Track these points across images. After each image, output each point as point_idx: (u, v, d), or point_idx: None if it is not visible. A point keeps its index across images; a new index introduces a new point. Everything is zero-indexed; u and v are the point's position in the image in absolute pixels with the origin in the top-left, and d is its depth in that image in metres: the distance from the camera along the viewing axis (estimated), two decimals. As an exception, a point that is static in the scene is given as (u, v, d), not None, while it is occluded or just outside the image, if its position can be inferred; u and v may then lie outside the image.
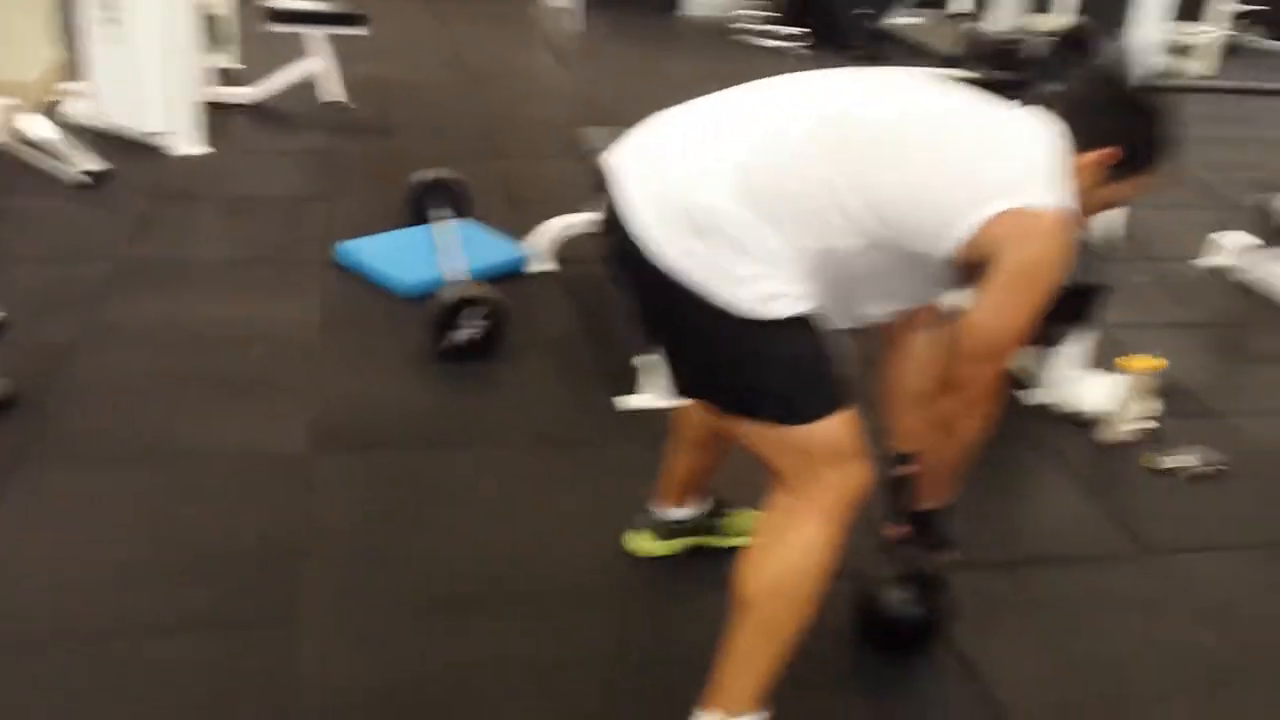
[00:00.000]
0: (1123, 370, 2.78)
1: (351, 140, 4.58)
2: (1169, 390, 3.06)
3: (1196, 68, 7.65)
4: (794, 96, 1.59)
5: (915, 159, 1.51)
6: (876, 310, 1.68)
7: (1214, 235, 4.06)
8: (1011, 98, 2.86)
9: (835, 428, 1.54)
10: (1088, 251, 2.70)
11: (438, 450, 2.50)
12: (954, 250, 1.50)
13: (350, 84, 4.96)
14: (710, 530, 2.16)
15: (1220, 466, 2.69)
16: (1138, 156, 1.64)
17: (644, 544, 2.15)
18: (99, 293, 3.06)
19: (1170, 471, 2.68)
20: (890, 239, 1.51)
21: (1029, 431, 2.84)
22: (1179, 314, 3.69)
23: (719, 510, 2.17)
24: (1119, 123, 1.64)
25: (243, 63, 5.18)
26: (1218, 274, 4.00)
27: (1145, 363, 2.75)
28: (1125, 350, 2.89)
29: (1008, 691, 1.95)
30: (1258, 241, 3.87)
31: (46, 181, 3.78)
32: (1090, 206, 1.63)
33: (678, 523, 2.14)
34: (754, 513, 1.77)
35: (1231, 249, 3.98)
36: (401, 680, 1.84)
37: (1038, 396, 2.97)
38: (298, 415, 2.56)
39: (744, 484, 1.86)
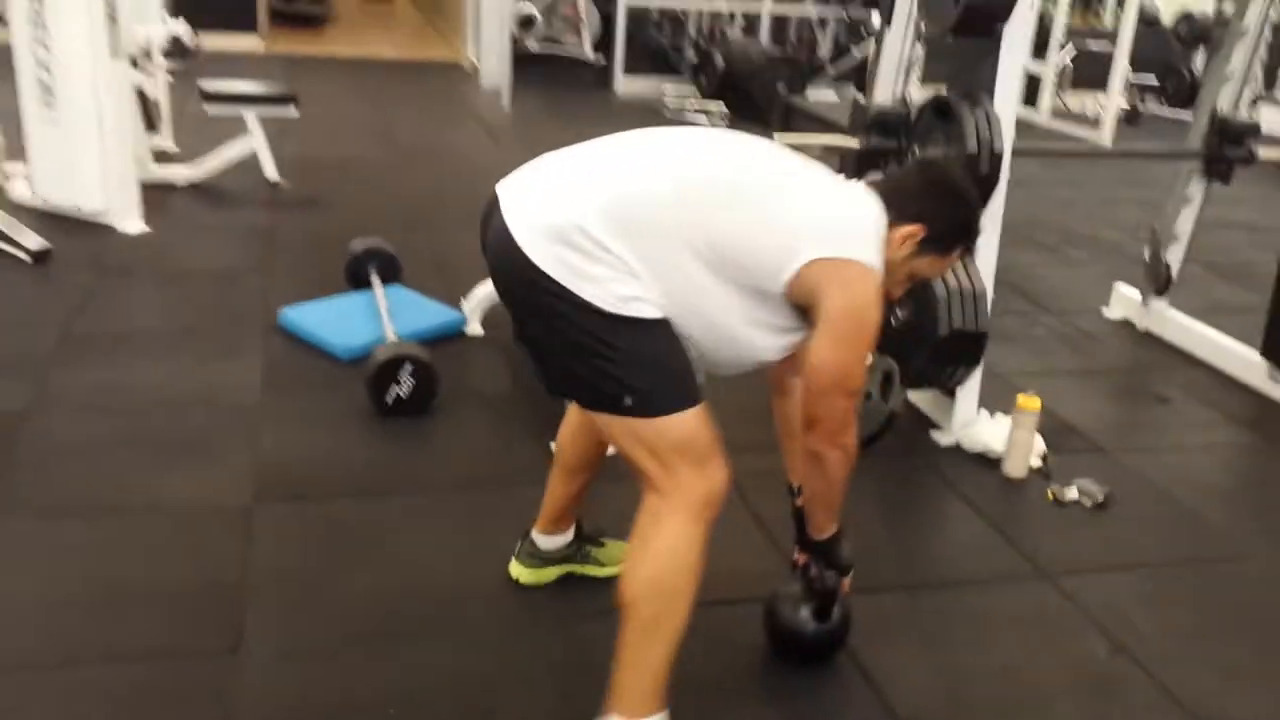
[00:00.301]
0: (1016, 410, 3.01)
1: (286, 215, 4.74)
2: (1064, 430, 3.31)
3: (1098, 135, 8.14)
4: (656, 148, 1.80)
5: (751, 206, 1.72)
6: (747, 355, 1.83)
7: (1117, 288, 4.36)
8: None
9: (687, 423, 1.71)
10: (973, 300, 2.95)
11: (372, 498, 2.64)
12: (787, 283, 1.70)
13: (285, 162, 5.14)
14: (584, 559, 2.32)
15: (1105, 496, 2.90)
16: (942, 237, 1.87)
17: (519, 572, 2.31)
18: (46, 362, 3.17)
19: (1071, 503, 2.90)
20: (736, 278, 1.70)
21: (939, 469, 3.04)
22: (1077, 362, 3.95)
23: (592, 540, 2.33)
24: (928, 204, 1.86)
25: (178, 144, 5.34)
26: (1120, 326, 4.29)
27: (1026, 402, 2.97)
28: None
29: (901, 695, 2.11)
30: (1151, 293, 4.16)
31: (-10, 259, 3.88)
32: (897, 277, 1.86)
33: (547, 552, 2.31)
34: (626, 544, 1.91)
35: (1131, 301, 4.27)
36: (336, 702, 1.96)
37: (947, 438, 3.19)
38: (239, 471, 2.68)
39: (620, 517, 2.01)
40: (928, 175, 1.99)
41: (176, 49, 4.85)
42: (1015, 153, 2.98)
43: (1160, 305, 4.14)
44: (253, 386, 3.13)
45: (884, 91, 3.47)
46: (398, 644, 2.13)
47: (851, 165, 3.46)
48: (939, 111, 3.00)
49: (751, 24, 8.65)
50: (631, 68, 8.45)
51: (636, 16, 8.61)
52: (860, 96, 3.98)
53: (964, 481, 2.99)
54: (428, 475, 2.77)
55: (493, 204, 1.76)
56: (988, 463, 3.07)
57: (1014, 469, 3.01)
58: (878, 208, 1.82)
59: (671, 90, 8.12)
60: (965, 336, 2.96)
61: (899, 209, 1.83)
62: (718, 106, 7.64)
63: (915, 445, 3.17)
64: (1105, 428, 3.41)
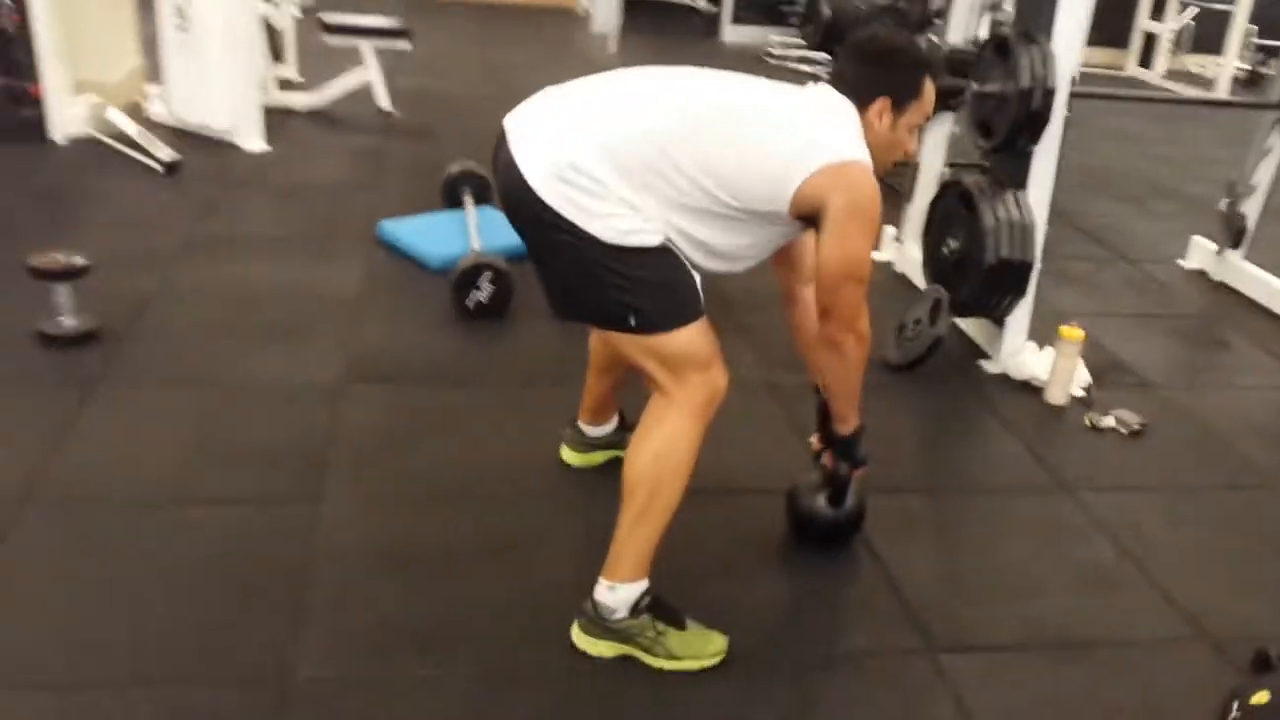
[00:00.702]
0: (1058, 339, 3.13)
1: (394, 141, 5.07)
2: (1114, 366, 3.42)
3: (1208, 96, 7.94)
4: (653, 85, 1.96)
5: (743, 137, 1.88)
6: (753, 255, 2.03)
7: (1194, 240, 4.39)
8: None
9: (690, 337, 1.91)
10: (1022, 231, 3.08)
11: (447, 386, 2.92)
12: (789, 205, 1.87)
13: (397, 93, 5.46)
14: (622, 445, 2.49)
15: (1141, 425, 3.02)
16: (904, 92, 2.01)
17: (569, 455, 2.57)
18: (171, 258, 3.55)
19: (1108, 430, 3.02)
20: (737, 204, 1.88)
21: (984, 394, 3.19)
22: (1142, 306, 4.02)
23: (628, 428, 2.53)
24: (878, 75, 2.00)
25: (301, 74, 5.71)
26: (1194, 276, 4.32)
27: (1069, 332, 3.09)
28: (1092, 339, 3.25)
29: (906, 576, 2.31)
30: (1227, 245, 4.18)
31: (129, 168, 4.30)
32: (891, 149, 2.03)
33: (593, 439, 2.56)
34: None
35: (1207, 252, 4.30)
36: (399, 547, 2.25)
37: (996, 366, 3.33)
38: (333, 355, 3.00)
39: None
40: (863, 52, 2.07)
41: (301, -18, 5.19)
42: (1074, 94, 3.08)
43: (1234, 257, 4.16)
44: (350, 286, 3.45)
45: (956, 32, 3.58)
46: (458, 505, 2.41)
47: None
48: (999, 49, 3.12)
49: (864, -26, 8.62)
50: (740, 17, 8.55)
51: None
52: (934, 38, 4.08)
53: (1005, 405, 3.13)
54: (498, 370, 3.04)
55: (501, 138, 1.93)
56: (1032, 390, 3.20)
57: (1055, 396, 3.14)
58: (848, 103, 1.98)
59: (777, 40, 8.20)
60: (1012, 265, 3.09)
61: (859, 93, 1.99)
62: (823, 57, 7.69)
63: (965, 372, 3.32)
64: (1158, 365, 3.49)
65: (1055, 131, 3.09)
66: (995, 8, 4.06)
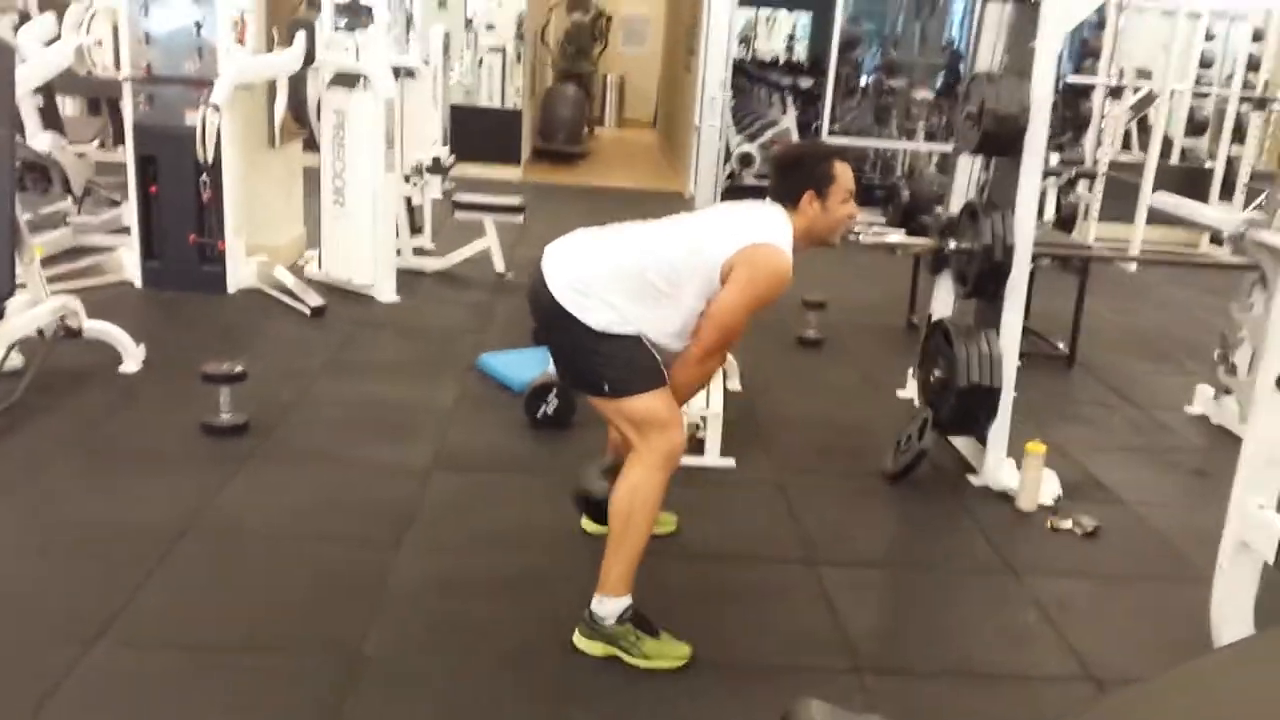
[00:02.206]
0: (1025, 454, 3.68)
1: (504, 296, 6.01)
2: (1091, 484, 3.92)
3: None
4: (647, 228, 2.70)
5: (697, 250, 2.58)
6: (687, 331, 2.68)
7: (1200, 388, 4.87)
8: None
9: (652, 401, 2.59)
10: (990, 361, 3.69)
11: (512, 473, 3.68)
12: (720, 277, 2.55)
13: (512, 258, 6.45)
14: None
15: (1095, 528, 3.52)
16: (822, 183, 2.68)
17: (587, 525, 3.17)
18: (311, 376, 4.46)
19: (1064, 530, 3.54)
20: (689, 286, 2.58)
21: (963, 500, 3.74)
22: (1137, 442, 4.50)
23: None
24: (798, 177, 2.69)
25: (435, 242, 6.78)
26: (1196, 420, 4.79)
27: (1033, 447, 3.64)
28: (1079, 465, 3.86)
29: (852, 618, 2.89)
30: (1222, 391, 4.65)
31: (286, 312, 5.32)
32: (833, 224, 2.71)
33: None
34: (666, 514, 2.98)
35: (1208, 399, 4.78)
36: (454, 576, 2.96)
37: (980, 480, 3.88)
38: (426, 448, 3.80)
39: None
40: (782, 165, 2.79)
41: (437, 167, 6.27)
42: (1037, 254, 3.73)
43: (1229, 401, 4.62)
44: (448, 401, 4.28)
45: (956, 204, 4.28)
46: (504, 551, 3.13)
47: (929, 262, 4.30)
48: (971, 215, 3.81)
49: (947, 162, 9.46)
50: (830, 199, 9.43)
51: (856, 155, 9.76)
52: (940, 210, 4.79)
53: (981, 510, 3.68)
54: (553, 463, 3.76)
55: (539, 260, 2.70)
56: (1007, 499, 3.74)
57: (1024, 503, 3.67)
58: (779, 209, 2.68)
59: (861, 219, 9.02)
60: (982, 390, 3.69)
61: (790, 196, 2.69)
62: (897, 233, 8.47)
63: (953, 483, 3.88)
64: (1132, 487, 3.97)
65: (1019, 282, 3.72)
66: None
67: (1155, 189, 7.88)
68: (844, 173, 2.74)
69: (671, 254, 2.61)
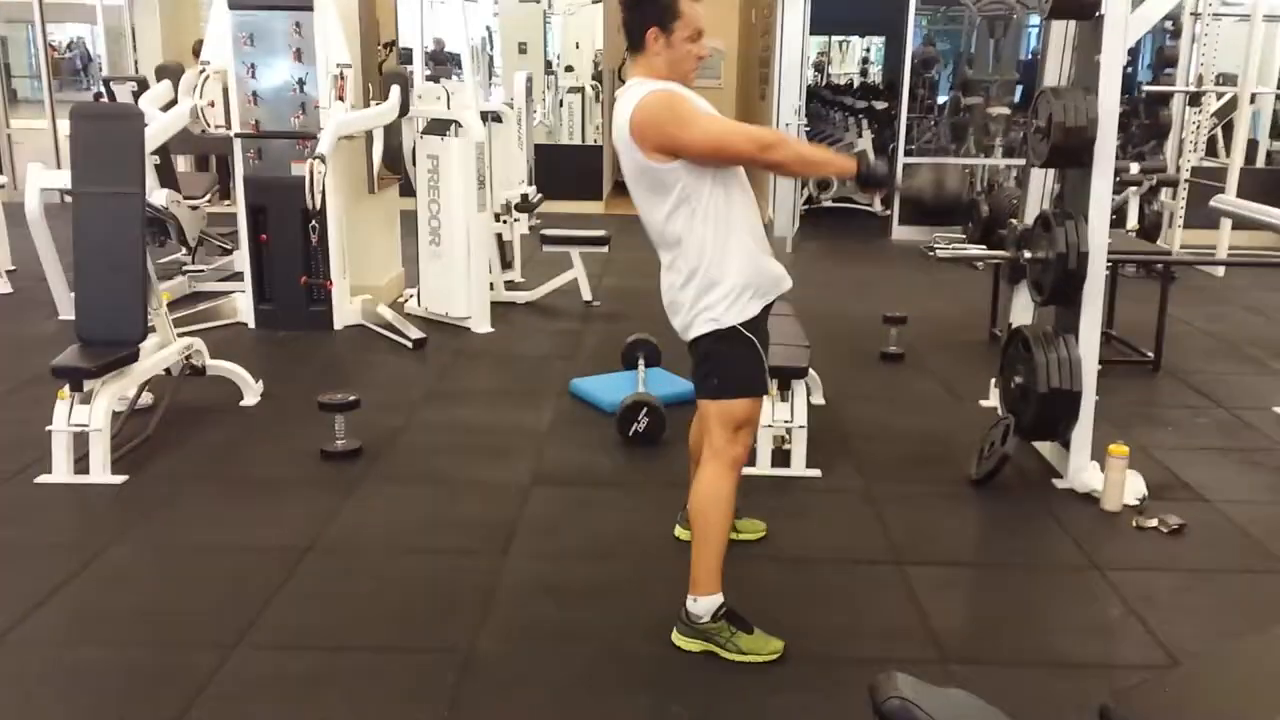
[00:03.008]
0: (1108, 455, 3.75)
1: (592, 324, 6.25)
2: (1176, 485, 3.97)
3: None
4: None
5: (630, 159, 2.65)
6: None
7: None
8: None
9: (753, 406, 2.77)
10: (1069, 365, 3.78)
11: (607, 488, 3.88)
12: (641, 150, 2.58)
13: (599, 288, 6.70)
14: None
15: (1180, 525, 3.58)
16: (665, 16, 2.58)
17: (680, 532, 3.36)
18: (415, 404, 4.73)
19: (1149, 529, 3.60)
20: (672, 187, 2.63)
21: (1049, 503, 3.81)
22: (1222, 443, 4.51)
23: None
24: (636, 14, 2.61)
25: (525, 275, 7.06)
26: (1283, 420, 4.79)
27: (1116, 449, 3.71)
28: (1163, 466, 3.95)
29: (938, 613, 3.01)
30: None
31: (389, 346, 5.63)
32: (683, 61, 2.62)
33: None
34: (755, 521, 3.14)
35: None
36: (556, 582, 3.15)
37: (1064, 483, 3.95)
38: (525, 467, 4.02)
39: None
40: (626, 15, 2.65)
41: (525, 204, 6.56)
42: (1112, 259, 3.81)
43: (1316, 399, 4.61)
44: (544, 424, 4.51)
45: (1030, 215, 4.39)
46: (602, 559, 3.32)
47: (1007, 273, 4.40)
48: (1044, 224, 3.91)
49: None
50: (907, 219, 9.52)
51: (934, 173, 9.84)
52: (1015, 222, 4.88)
53: (1065, 512, 3.75)
54: (646, 478, 3.96)
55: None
56: (1091, 500, 3.81)
57: (1109, 504, 3.74)
58: (637, 62, 2.65)
59: (941, 236, 9.07)
60: (1062, 394, 3.78)
61: (635, 39, 2.63)
62: (985, 249, 8.50)
63: (1038, 487, 3.95)
64: (1217, 486, 4.00)
65: (1095, 288, 3.80)
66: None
67: (1240, 193, 7.82)
68: (690, 8, 2.62)
69: (653, 210, 2.70)
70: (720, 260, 2.69)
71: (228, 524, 3.55)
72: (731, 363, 2.75)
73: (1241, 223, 7.07)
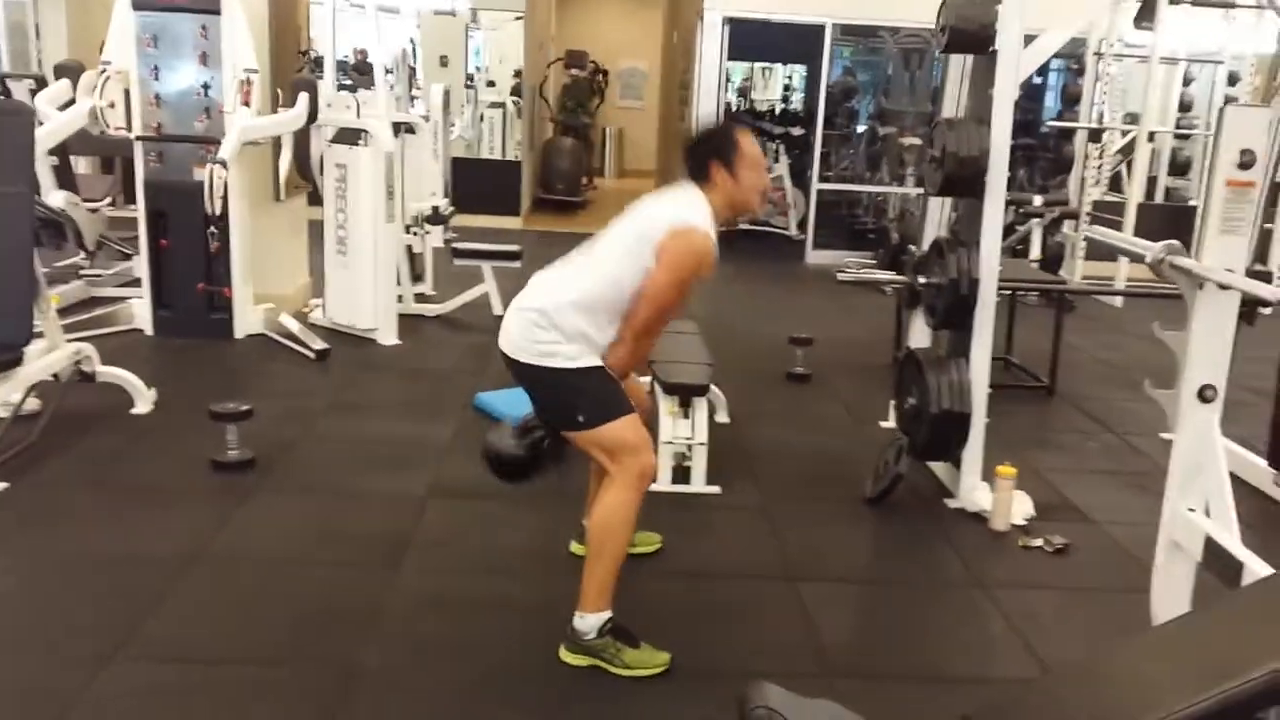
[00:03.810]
0: (996, 477, 3.85)
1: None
2: (1063, 506, 4.08)
3: None
4: (596, 248, 2.83)
5: (628, 235, 2.77)
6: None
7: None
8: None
9: (622, 428, 2.76)
10: (959, 388, 3.86)
11: (498, 501, 3.79)
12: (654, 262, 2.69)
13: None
14: None
15: (1064, 544, 3.67)
16: (729, 157, 2.78)
17: (575, 548, 3.35)
18: (314, 415, 4.66)
19: (1035, 548, 3.69)
20: (629, 288, 2.73)
21: (940, 521, 3.89)
22: (1110, 465, 4.66)
23: None
24: (704, 155, 2.80)
25: (436, 288, 7.00)
26: (1169, 444, 4.92)
27: (1005, 470, 3.81)
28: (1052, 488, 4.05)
29: (826, 626, 3.04)
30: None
31: (291, 356, 5.53)
32: (747, 193, 2.80)
33: None
34: (650, 534, 3.15)
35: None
36: (446, 595, 3.12)
37: (956, 502, 4.03)
38: (423, 479, 3.98)
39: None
40: (688, 148, 2.87)
41: (436, 217, 6.52)
42: (1002, 286, 3.92)
43: (1200, 426, 4.77)
44: (445, 437, 4.47)
45: (928, 242, 4.48)
46: (496, 576, 3.29)
47: (906, 297, 4.50)
48: (938, 251, 4.01)
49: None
50: (823, 243, 9.68)
51: (850, 199, 10.26)
52: (914, 248, 4.99)
53: (955, 530, 3.83)
54: (544, 492, 3.92)
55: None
56: (980, 520, 3.89)
57: (997, 523, 3.83)
58: (695, 189, 2.79)
59: (853, 261, 9.24)
60: (952, 415, 3.86)
61: (701, 172, 2.80)
62: (889, 274, 8.67)
63: (930, 507, 4.03)
64: (1102, 507, 4.12)
65: (985, 314, 3.90)
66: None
67: (1139, 228, 8.09)
68: (747, 140, 2.84)
69: (614, 266, 2.76)
70: (601, 326, 2.78)
71: (110, 534, 3.45)
72: (588, 394, 2.78)
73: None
